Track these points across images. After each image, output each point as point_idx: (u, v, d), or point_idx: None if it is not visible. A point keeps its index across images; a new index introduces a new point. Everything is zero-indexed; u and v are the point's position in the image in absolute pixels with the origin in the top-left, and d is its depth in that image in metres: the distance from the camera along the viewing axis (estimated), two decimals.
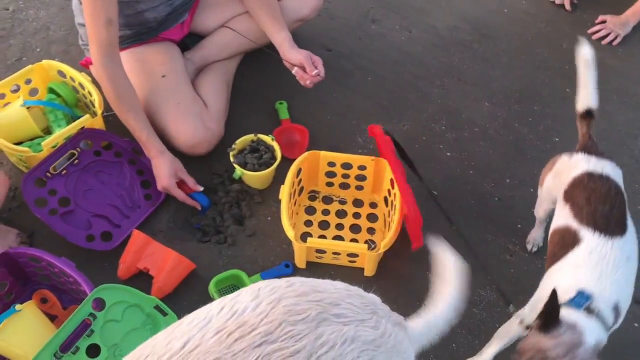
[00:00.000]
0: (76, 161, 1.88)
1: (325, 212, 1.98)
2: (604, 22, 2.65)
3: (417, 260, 1.84)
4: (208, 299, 1.72)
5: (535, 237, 1.89)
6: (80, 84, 2.03)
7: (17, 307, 1.50)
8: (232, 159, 1.95)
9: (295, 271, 1.83)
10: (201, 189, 1.92)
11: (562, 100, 2.36)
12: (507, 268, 1.87)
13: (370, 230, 1.93)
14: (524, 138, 2.23)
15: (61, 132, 1.87)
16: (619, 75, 2.49)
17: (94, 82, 1.98)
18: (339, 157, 1.94)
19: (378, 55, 2.51)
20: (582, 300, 1.29)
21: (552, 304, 1.21)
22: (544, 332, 1.22)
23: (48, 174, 1.83)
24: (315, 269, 1.83)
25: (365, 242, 1.88)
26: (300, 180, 1.95)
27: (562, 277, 1.39)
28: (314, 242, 1.74)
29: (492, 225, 1.97)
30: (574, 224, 1.44)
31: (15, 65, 2.32)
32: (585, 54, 1.59)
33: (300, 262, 1.82)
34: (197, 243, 1.88)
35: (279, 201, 1.81)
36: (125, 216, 1.88)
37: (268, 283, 0.86)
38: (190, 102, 2.02)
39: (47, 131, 2.03)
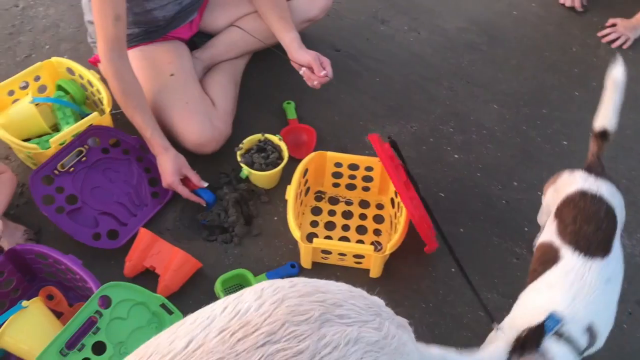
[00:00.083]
0: (84, 158, 1.89)
1: (332, 213, 1.98)
2: (614, 25, 2.64)
3: (424, 263, 1.84)
4: (214, 298, 1.72)
5: None
6: (89, 82, 2.04)
7: (24, 303, 1.50)
8: (239, 159, 1.96)
9: (301, 271, 1.83)
10: (205, 184, 1.92)
11: (571, 103, 2.35)
12: (513, 271, 1.86)
13: (377, 232, 1.93)
14: (532, 141, 2.23)
15: (69, 130, 1.88)
16: (629, 79, 2.45)
17: (103, 79, 1.99)
18: (346, 158, 1.94)
19: (386, 56, 2.51)
20: (551, 324, 1.27)
21: (530, 337, 1.21)
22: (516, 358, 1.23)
23: (55, 172, 1.83)
24: (321, 270, 1.83)
25: (372, 243, 1.88)
26: (307, 180, 1.95)
27: (538, 296, 1.38)
28: (320, 242, 1.74)
29: (499, 228, 1.96)
30: (557, 240, 1.42)
31: (25, 62, 2.33)
32: (616, 74, 1.51)
33: (306, 262, 1.82)
34: (204, 242, 1.89)
35: (286, 201, 1.81)
36: (132, 214, 1.89)
37: (271, 283, 0.86)
38: (198, 101, 2.02)
39: (55, 128, 2.04)
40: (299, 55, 2.01)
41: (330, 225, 1.94)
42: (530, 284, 1.42)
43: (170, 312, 1.59)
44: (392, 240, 1.72)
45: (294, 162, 1.96)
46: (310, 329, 0.79)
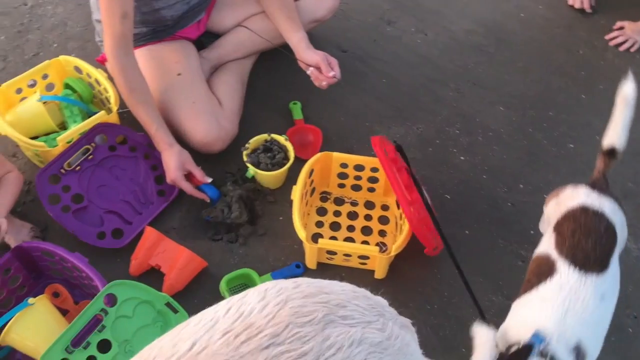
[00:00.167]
0: (90, 157, 1.89)
1: (337, 214, 1.98)
2: (622, 28, 2.63)
3: (429, 264, 1.84)
4: (219, 297, 1.73)
5: None
6: (97, 80, 2.04)
7: (30, 300, 1.51)
8: (245, 158, 1.96)
9: (305, 272, 1.83)
10: (210, 180, 1.91)
11: (577, 106, 2.35)
12: (518, 274, 1.86)
13: (382, 233, 1.93)
14: (538, 143, 2.22)
15: (76, 128, 1.89)
16: (637, 84, 2.46)
17: (110, 78, 1.99)
18: (352, 159, 1.94)
19: (393, 57, 2.51)
20: (536, 342, 1.25)
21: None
22: None
23: (62, 170, 1.84)
24: (326, 270, 1.83)
25: (377, 244, 1.88)
26: (313, 181, 1.95)
27: (529, 310, 1.36)
28: (325, 243, 1.74)
29: (504, 230, 1.96)
30: (553, 253, 1.40)
31: (33, 60, 2.34)
32: (627, 91, 1.49)
33: (311, 262, 1.82)
34: (209, 241, 1.89)
35: (291, 201, 1.82)
36: (137, 212, 1.89)
37: (275, 284, 0.86)
38: (205, 100, 2.03)
39: (63, 126, 2.05)
40: (307, 55, 2.01)
41: (335, 226, 1.95)
42: (523, 295, 1.40)
43: (175, 311, 1.59)
44: (397, 242, 1.73)
45: (299, 162, 1.97)
46: (314, 330, 0.79)
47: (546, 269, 1.38)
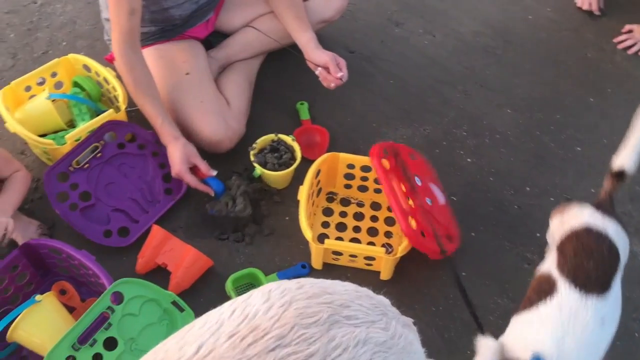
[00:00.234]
0: (99, 154, 1.90)
1: (343, 214, 1.98)
2: (630, 31, 2.63)
3: (434, 266, 1.84)
4: (225, 296, 1.74)
5: None
6: (105, 79, 2.05)
7: (37, 297, 1.52)
8: (252, 158, 1.96)
9: (311, 272, 1.84)
10: (214, 173, 1.91)
11: (585, 109, 2.34)
12: (524, 276, 1.86)
13: (388, 234, 1.93)
14: (545, 146, 2.22)
15: (85, 126, 1.90)
16: None
17: (119, 77, 2.00)
18: (358, 160, 1.94)
19: (400, 58, 2.51)
20: None
21: None
22: None
23: (70, 168, 1.85)
24: (332, 271, 1.83)
25: (383, 245, 1.88)
26: (319, 181, 1.95)
27: (528, 329, 1.34)
28: (331, 243, 1.75)
29: (511, 233, 1.96)
30: (555, 272, 1.38)
31: (42, 59, 2.35)
32: None
33: (316, 263, 1.83)
34: (216, 240, 1.90)
35: (297, 201, 1.82)
36: (144, 211, 1.90)
37: (278, 285, 0.86)
38: (212, 100, 2.03)
39: (71, 124, 2.06)
40: (316, 55, 2.01)
41: (341, 227, 1.95)
42: (523, 311, 1.38)
43: (181, 310, 1.60)
44: (403, 243, 1.73)
45: (306, 162, 1.97)
46: (319, 331, 0.79)
47: (547, 288, 1.36)
